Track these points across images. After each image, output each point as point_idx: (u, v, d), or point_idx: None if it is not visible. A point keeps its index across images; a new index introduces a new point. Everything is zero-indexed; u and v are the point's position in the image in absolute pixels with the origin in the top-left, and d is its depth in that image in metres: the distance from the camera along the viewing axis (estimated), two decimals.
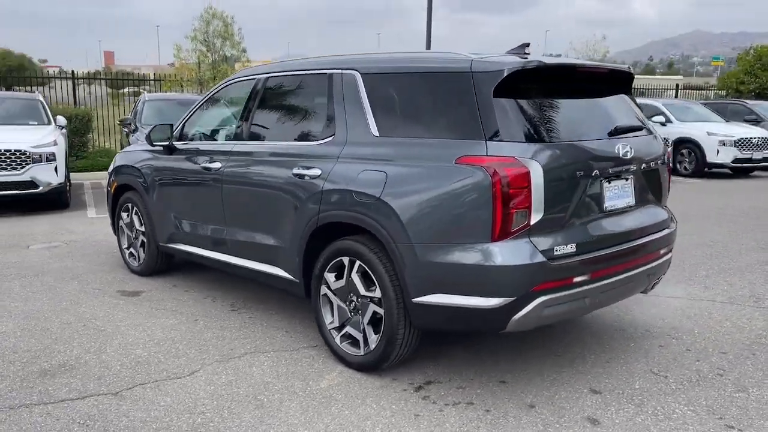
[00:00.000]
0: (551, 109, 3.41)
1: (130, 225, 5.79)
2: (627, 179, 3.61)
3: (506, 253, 3.08)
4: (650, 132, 3.92)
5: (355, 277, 3.62)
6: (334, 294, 3.79)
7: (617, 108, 3.82)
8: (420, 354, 3.84)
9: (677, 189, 12.55)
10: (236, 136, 4.66)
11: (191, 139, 5.15)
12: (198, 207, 4.91)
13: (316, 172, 3.81)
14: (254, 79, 4.61)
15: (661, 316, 4.66)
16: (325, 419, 3.15)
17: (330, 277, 3.78)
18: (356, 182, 3.57)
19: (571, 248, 3.22)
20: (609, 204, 3.49)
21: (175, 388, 3.49)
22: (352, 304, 3.69)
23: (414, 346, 3.58)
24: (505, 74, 3.19)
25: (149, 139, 5.11)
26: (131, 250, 5.84)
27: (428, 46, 16.89)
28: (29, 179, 8.65)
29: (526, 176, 3.07)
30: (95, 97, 16.70)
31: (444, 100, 3.40)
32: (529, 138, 3.18)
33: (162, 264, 5.62)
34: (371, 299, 3.56)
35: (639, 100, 17.02)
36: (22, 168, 8.60)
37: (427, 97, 3.49)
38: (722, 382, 3.59)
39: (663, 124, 14.46)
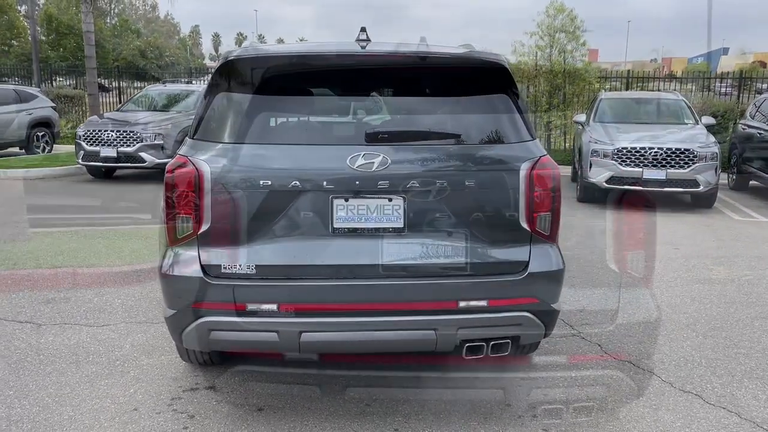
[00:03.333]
0: (269, 106, 2.93)
1: None
2: (390, 198, 2.73)
3: (171, 261, 2.84)
4: (483, 143, 2.85)
5: None
6: None
7: (420, 109, 2.98)
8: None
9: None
10: None
11: None
12: None
13: None
14: None
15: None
16: (82, 390, 3.37)
17: None
18: None
19: (248, 269, 2.70)
20: (340, 226, 2.71)
21: (72, 332, 4.16)
22: None
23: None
24: (221, 64, 2.95)
25: None
26: None
27: None
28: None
29: (191, 179, 2.73)
30: None
31: None
32: (217, 138, 2.83)
33: None
34: None
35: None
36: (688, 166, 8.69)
37: None
38: None
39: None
